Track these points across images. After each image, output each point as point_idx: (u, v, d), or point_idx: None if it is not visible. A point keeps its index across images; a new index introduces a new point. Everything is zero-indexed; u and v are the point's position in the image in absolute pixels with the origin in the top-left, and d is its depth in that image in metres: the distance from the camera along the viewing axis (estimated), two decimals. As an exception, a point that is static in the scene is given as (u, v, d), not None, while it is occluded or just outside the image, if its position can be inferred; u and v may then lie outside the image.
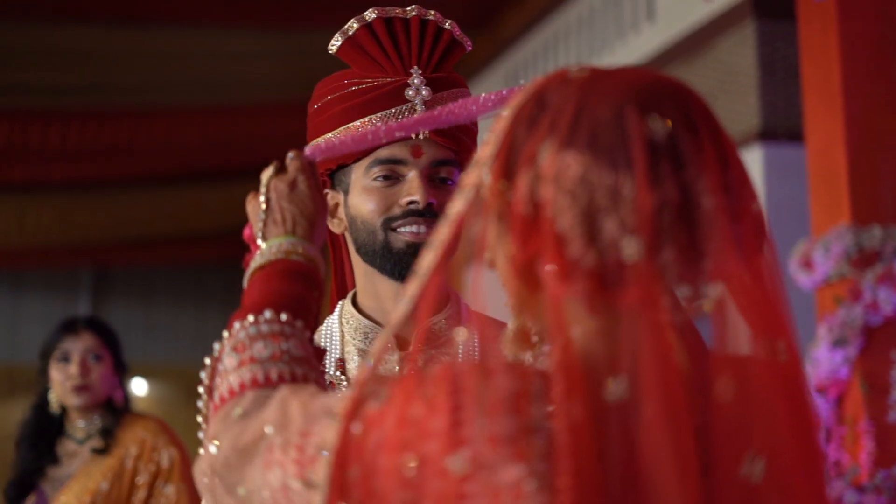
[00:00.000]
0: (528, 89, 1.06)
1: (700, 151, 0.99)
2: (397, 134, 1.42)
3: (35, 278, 12.39)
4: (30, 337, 11.88)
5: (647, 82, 1.02)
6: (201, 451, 1.14)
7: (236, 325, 1.20)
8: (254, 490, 1.06)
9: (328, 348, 1.64)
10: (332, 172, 1.66)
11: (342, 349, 1.64)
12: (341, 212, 1.66)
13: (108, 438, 3.33)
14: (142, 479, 3.30)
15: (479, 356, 1.28)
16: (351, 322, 1.65)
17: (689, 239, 0.98)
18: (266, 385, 1.13)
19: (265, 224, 1.33)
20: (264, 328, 1.18)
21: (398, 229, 1.59)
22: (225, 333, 1.20)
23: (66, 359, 3.36)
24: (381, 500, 0.96)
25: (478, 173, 1.04)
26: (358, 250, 1.63)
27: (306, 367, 1.16)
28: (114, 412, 3.39)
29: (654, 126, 0.98)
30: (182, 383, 11.58)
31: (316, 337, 1.64)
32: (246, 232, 1.37)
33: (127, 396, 3.46)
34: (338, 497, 0.98)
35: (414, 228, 1.58)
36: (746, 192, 1.02)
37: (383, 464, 0.96)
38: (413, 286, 1.06)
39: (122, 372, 3.44)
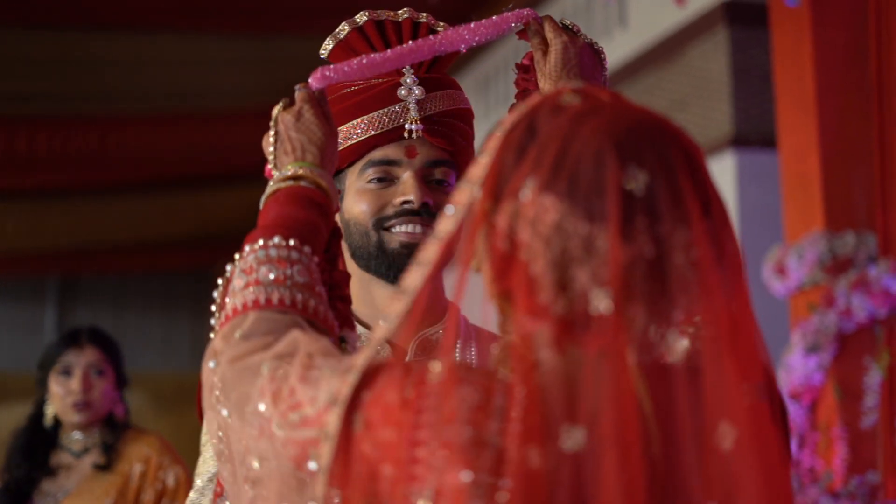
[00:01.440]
0: (522, 110, 1.06)
1: (678, 203, 0.99)
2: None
3: (1, 286, 12.28)
4: (-4, 345, 11.80)
5: (631, 125, 1.02)
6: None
7: (247, 248, 1.24)
8: (242, 412, 1.09)
9: None
10: None
11: None
12: (337, 218, 1.62)
13: (109, 454, 3.23)
14: (147, 498, 3.20)
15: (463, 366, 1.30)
16: None
17: (661, 291, 0.99)
18: (266, 307, 1.17)
19: (276, 155, 1.36)
20: (272, 252, 1.22)
21: (392, 229, 1.56)
22: (237, 256, 1.26)
23: (67, 372, 3.25)
24: (350, 469, 1.01)
25: (469, 192, 1.05)
26: (353, 255, 1.60)
27: (307, 293, 1.20)
28: (114, 427, 3.29)
29: (631, 177, 0.99)
30: (150, 392, 11.47)
31: None
32: (267, 170, 1.39)
33: (128, 410, 3.36)
34: (340, 469, 1.02)
35: (409, 228, 1.55)
36: (726, 234, 1.03)
37: (357, 437, 1.01)
38: (400, 304, 1.06)
39: (123, 386, 3.35)
